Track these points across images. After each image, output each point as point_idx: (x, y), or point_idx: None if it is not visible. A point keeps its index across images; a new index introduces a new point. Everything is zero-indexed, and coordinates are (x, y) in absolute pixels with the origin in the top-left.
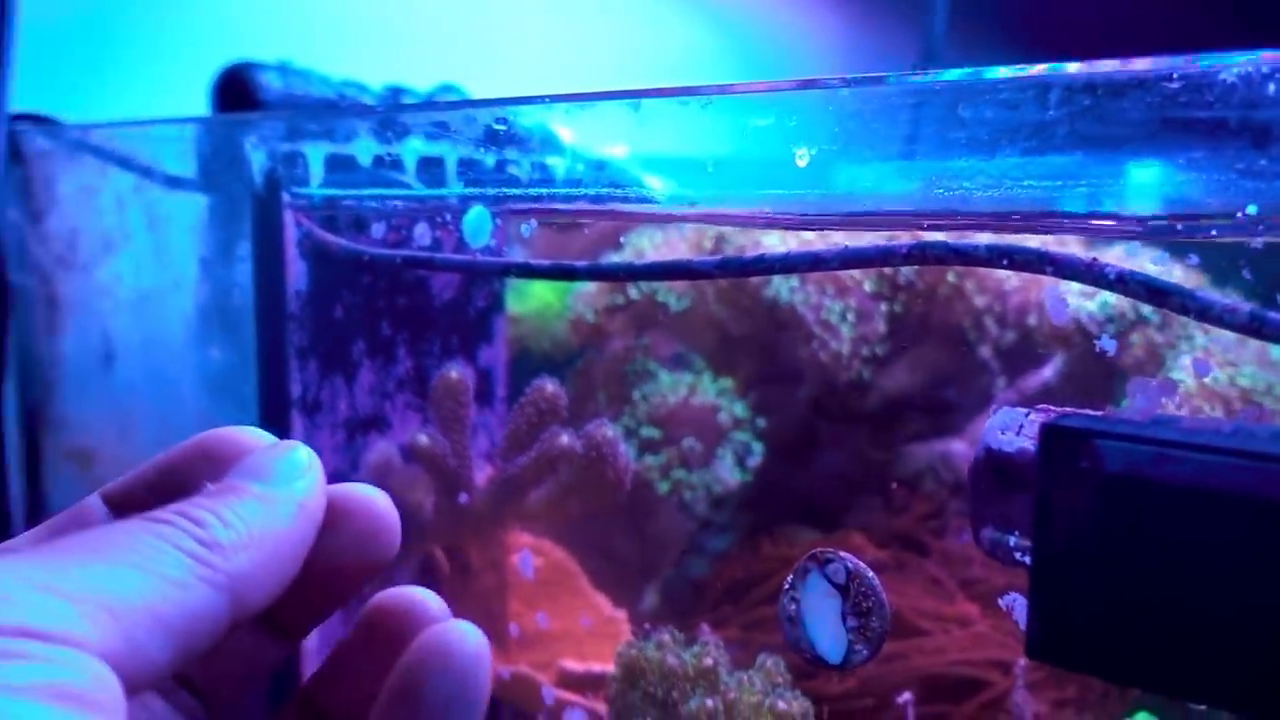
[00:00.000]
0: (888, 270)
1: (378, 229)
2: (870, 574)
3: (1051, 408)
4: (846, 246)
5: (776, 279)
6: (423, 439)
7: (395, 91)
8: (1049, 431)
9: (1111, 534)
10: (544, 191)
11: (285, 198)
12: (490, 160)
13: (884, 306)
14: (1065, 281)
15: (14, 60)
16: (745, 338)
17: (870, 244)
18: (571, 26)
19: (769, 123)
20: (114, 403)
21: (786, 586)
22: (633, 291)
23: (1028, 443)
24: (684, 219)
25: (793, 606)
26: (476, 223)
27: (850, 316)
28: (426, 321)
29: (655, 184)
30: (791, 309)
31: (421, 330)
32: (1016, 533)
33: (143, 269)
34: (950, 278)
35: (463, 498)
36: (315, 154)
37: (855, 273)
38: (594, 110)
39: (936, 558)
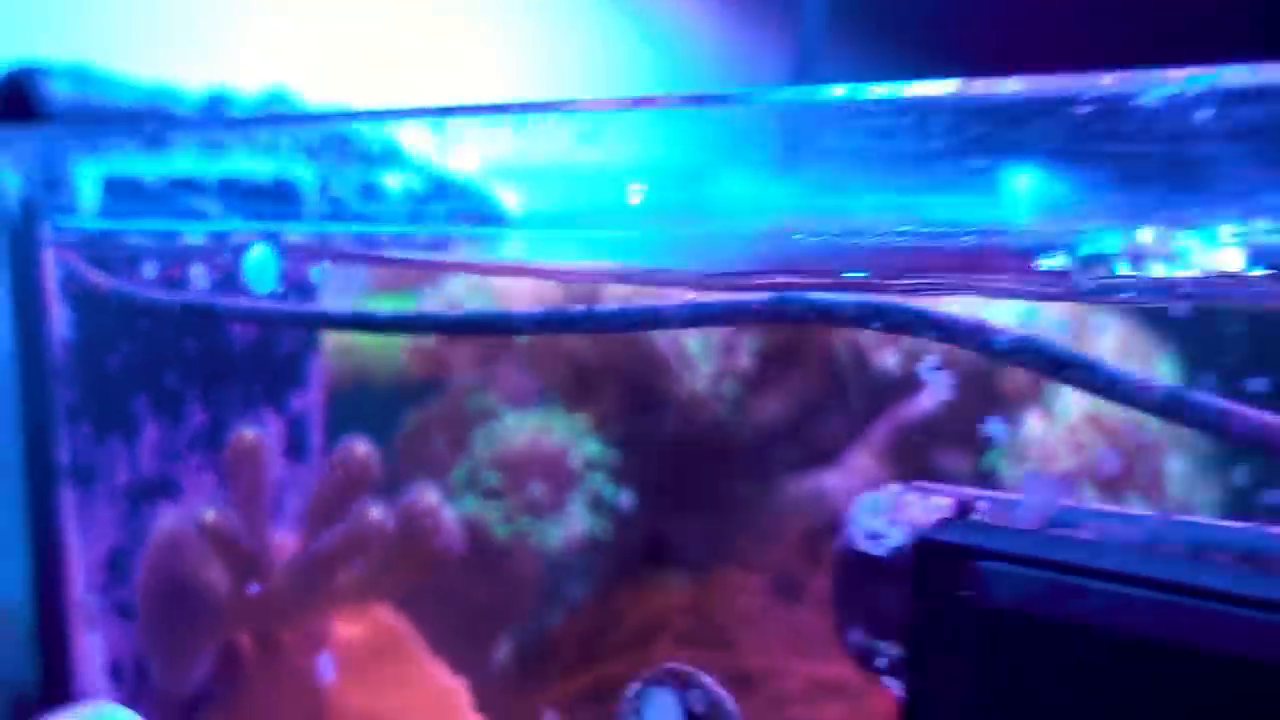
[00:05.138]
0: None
1: (152, 268)
2: (735, 713)
3: (929, 486)
4: (693, 302)
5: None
6: (210, 517)
7: (215, 101)
8: (922, 550)
9: (997, 677)
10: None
11: (47, 231)
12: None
13: (749, 338)
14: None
15: None
16: (604, 370)
17: (721, 298)
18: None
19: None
20: None
21: (630, 696)
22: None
23: (902, 537)
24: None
25: None
26: (260, 265)
27: (711, 349)
28: (223, 368)
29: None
30: (649, 341)
31: (217, 379)
32: (889, 641)
33: None
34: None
35: (255, 588)
36: (91, 174)
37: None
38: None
39: (813, 606)
